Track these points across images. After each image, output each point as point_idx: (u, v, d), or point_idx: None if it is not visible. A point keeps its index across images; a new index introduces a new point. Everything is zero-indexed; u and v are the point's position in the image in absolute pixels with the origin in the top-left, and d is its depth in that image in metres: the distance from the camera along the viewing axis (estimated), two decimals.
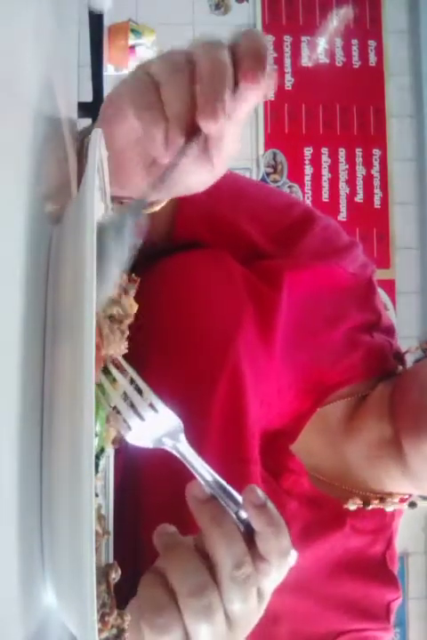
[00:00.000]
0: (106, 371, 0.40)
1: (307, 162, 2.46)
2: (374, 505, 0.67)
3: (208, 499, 0.43)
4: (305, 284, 0.69)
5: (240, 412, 0.62)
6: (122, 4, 2.05)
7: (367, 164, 2.49)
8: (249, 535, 0.43)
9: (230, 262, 0.68)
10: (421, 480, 0.66)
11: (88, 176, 0.35)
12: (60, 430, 0.34)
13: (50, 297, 0.36)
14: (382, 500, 0.68)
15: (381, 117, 2.50)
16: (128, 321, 0.41)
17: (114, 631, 0.38)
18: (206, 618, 0.41)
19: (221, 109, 0.41)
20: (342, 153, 2.48)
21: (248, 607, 0.42)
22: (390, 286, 2.41)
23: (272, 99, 2.43)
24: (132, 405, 0.40)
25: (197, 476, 0.42)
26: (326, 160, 2.47)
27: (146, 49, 2.13)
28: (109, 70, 2.09)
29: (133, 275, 0.43)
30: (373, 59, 2.51)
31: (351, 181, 2.48)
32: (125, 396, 0.40)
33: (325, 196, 2.46)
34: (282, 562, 0.43)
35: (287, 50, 2.45)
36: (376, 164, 2.49)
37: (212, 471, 0.42)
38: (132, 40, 2.12)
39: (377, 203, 2.48)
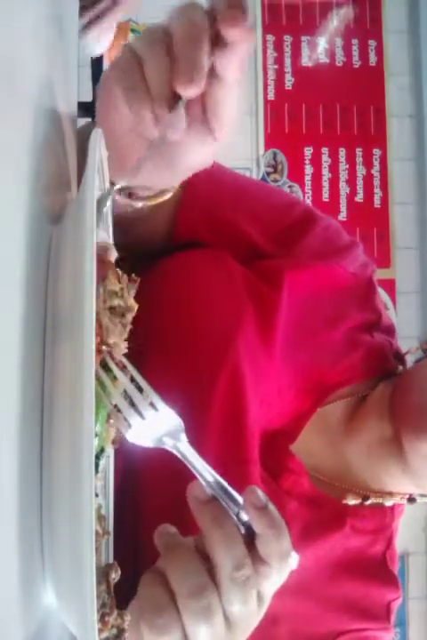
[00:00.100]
0: (106, 368, 0.40)
1: (307, 161, 2.46)
2: (373, 500, 0.67)
3: (209, 499, 0.42)
4: (305, 283, 0.69)
5: (240, 412, 0.62)
6: None
7: (367, 163, 2.49)
8: (250, 537, 0.42)
9: (230, 262, 0.68)
10: (421, 478, 0.66)
11: (88, 176, 0.35)
12: (60, 430, 0.34)
13: (50, 297, 0.36)
14: (382, 498, 0.68)
15: (381, 117, 2.50)
16: (130, 315, 0.40)
17: (114, 631, 0.38)
18: (205, 619, 0.41)
19: (198, 72, 0.41)
20: (342, 153, 2.47)
21: (248, 609, 0.42)
22: (390, 286, 2.41)
23: (272, 98, 2.43)
24: (133, 404, 0.40)
25: (197, 477, 0.42)
26: (326, 160, 2.47)
27: None
28: None
29: (133, 275, 0.43)
30: (373, 59, 2.50)
31: (351, 181, 2.47)
32: (126, 395, 0.40)
33: (325, 195, 2.46)
34: (283, 564, 0.43)
35: (287, 50, 2.45)
36: (376, 163, 2.49)
37: (213, 472, 0.42)
38: None
39: (377, 202, 2.48)
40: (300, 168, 2.45)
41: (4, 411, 0.29)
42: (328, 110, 2.46)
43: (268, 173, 2.43)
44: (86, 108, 0.81)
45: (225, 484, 0.43)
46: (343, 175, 2.47)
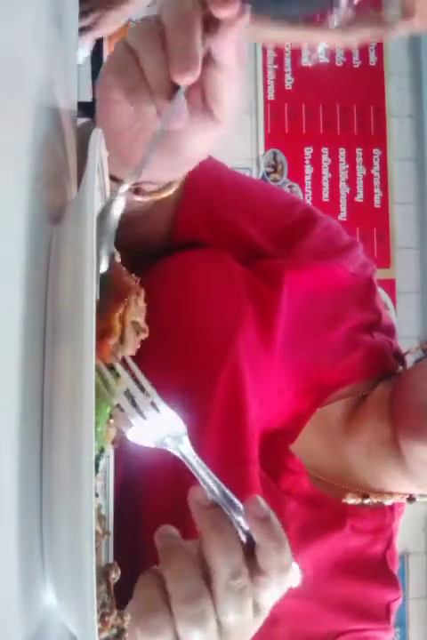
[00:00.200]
0: (110, 367, 0.40)
1: (307, 161, 2.46)
2: (373, 499, 0.67)
3: (210, 505, 0.42)
4: (305, 283, 0.69)
5: (240, 412, 0.62)
6: None
7: (367, 163, 2.49)
8: (250, 547, 0.42)
9: (230, 262, 0.68)
10: (419, 479, 0.66)
11: (88, 176, 0.35)
12: (60, 430, 0.34)
13: (50, 297, 0.36)
14: (381, 497, 0.68)
15: (381, 117, 2.50)
16: (144, 335, 0.41)
17: (114, 631, 0.38)
18: (198, 625, 0.41)
19: (192, 59, 0.40)
20: (342, 153, 2.48)
21: (243, 619, 0.42)
22: (390, 286, 2.41)
23: (272, 98, 2.43)
24: (135, 403, 0.40)
25: (200, 481, 0.42)
26: (326, 160, 2.47)
27: None
28: None
29: (133, 275, 0.43)
30: (373, 59, 2.51)
31: (351, 181, 2.48)
32: (129, 394, 0.40)
33: (325, 195, 2.46)
34: (282, 578, 0.42)
35: (287, 50, 2.45)
36: (376, 163, 2.49)
37: (215, 477, 0.42)
38: None
39: (377, 202, 2.48)
40: (300, 168, 2.45)
41: (4, 411, 0.29)
42: (328, 110, 2.46)
43: (268, 173, 2.43)
44: (86, 108, 0.81)
45: (227, 491, 0.42)
46: (343, 175, 2.48)
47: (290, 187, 2.43)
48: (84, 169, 0.35)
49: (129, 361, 0.41)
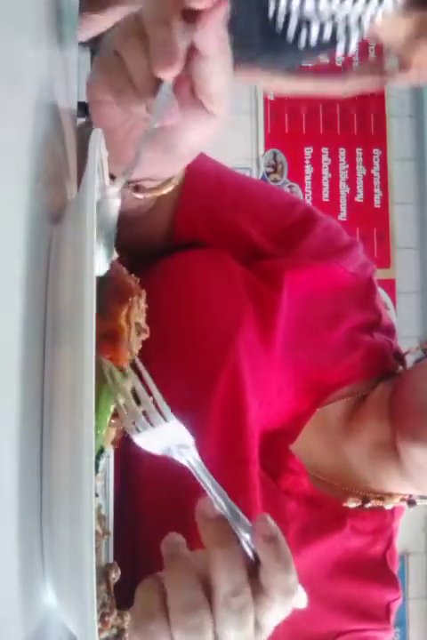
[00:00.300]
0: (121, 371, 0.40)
1: (307, 162, 2.46)
2: (374, 503, 0.67)
3: (217, 517, 0.41)
4: (305, 283, 0.69)
5: (240, 412, 0.62)
6: None
7: (367, 163, 2.49)
8: (256, 564, 0.41)
9: (230, 262, 0.68)
10: (417, 482, 0.66)
11: (88, 176, 0.35)
12: (60, 431, 0.34)
13: (50, 297, 0.36)
14: (381, 500, 0.68)
15: (381, 117, 2.50)
16: (145, 335, 0.41)
17: (114, 631, 0.38)
18: (194, 637, 0.40)
19: (172, 52, 0.40)
20: (342, 153, 2.47)
21: (243, 636, 0.41)
22: (390, 286, 2.41)
23: (272, 98, 2.43)
24: (141, 407, 0.40)
25: (206, 492, 0.41)
26: (326, 160, 2.47)
27: None
28: None
29: (133, 275, 0.43)
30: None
31: (351, 181, 2.47)
32: (137, 399, 0.40)
33: (325, 195, 2.46)
34: (286, 600, 0.41)
35: None
36: (376, 163, 2.49)
37: (222, 491, 0.41)
38: None
39: (377, 202, 2.48)
40: (300, 168, 2.45)
41: (4, 411, 0.29)
42: (328, 110, 2.46)
43: (268, 173, 2.43)
44: (86, 108, 0.81)
45: (235, 506, 0.41)
46: (343, 175, 2.48)
47: (290, 187, 2.43)
48: (84, 169, 0.35)
49: (141, 367, 0.41)
